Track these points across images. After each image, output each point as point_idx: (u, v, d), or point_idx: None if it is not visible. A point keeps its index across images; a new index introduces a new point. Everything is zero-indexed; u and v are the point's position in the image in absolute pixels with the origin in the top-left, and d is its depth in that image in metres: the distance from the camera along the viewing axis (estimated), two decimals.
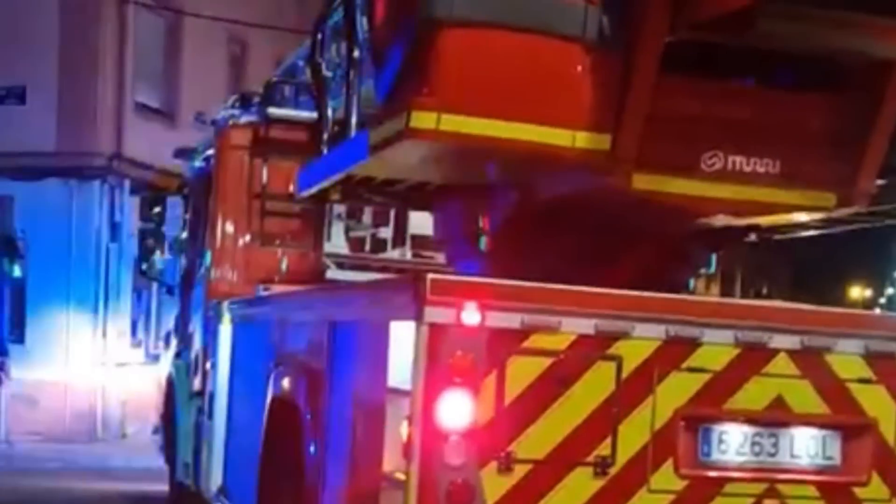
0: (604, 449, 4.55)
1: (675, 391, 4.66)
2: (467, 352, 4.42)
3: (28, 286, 16.27)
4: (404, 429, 4.47)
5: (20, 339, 16.32)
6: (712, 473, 4.74)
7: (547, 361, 4.51)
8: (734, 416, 4.78)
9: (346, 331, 5.53)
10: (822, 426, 4.89)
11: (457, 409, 4.41)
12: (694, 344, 4.67)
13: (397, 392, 4.68)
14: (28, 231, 15.86)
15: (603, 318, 4.58)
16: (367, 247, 9.31)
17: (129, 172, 17.30)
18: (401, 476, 4.49)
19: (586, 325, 4.56)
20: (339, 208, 9.04)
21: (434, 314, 4.42)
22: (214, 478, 8.31)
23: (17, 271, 15.73)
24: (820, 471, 4.89)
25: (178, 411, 9.69)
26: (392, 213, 9.04)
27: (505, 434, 4.46)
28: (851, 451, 4.91)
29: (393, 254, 9.10)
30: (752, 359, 4.74)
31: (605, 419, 4.56)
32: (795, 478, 4.83)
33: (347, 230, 9.28)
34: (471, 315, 4.43)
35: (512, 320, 4.49)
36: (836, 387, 4.84)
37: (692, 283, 6.64)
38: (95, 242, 16.73)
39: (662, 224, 5.86)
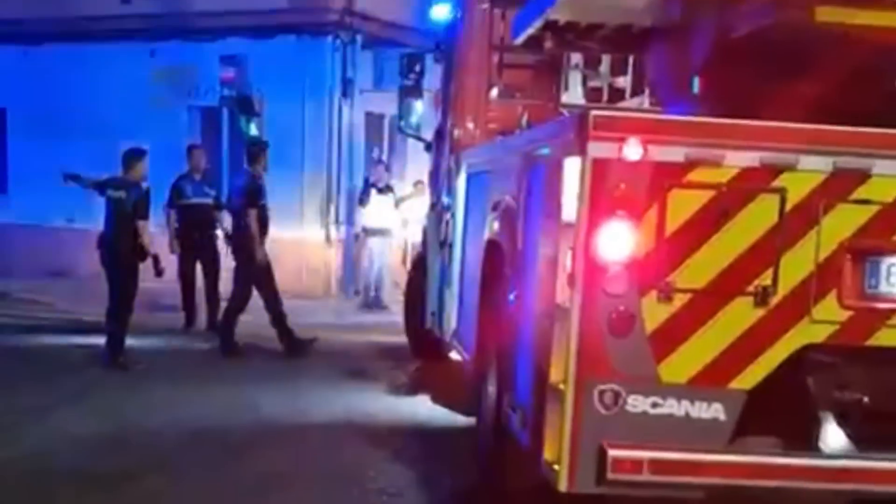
0: (765, 279, 4.84)
1: (842, 223, 4.86)
2: (629, 185, 4.81)
3: None
4: (568, 259, 4.93)
5: None
6: (879, 305, 4.94)
7: (709, 194, 4.81)
8: None
9: (535, 171, 5.99)
10: None
11: (618, 240, 4.81)
12: (863, 175, 4.85)
13: (569, 226, 5.12)
14: (262, 89, 16.71)
15: (768, 150, 4.83)
16: (605, 97, 9.61)
17: (361, 27, 17.93)
18: (567, 305, 4.97)
19: (750, 158, 4.82)
20: (577, 58, 9.40)
21: (597, 149, 4.81)
22: (451, 321, 9.06)
23: (253, 130, 16.55)
24: None
25: (428, 262, 10.48)
26: (630, 62, 9.30)
27: (665, 264, 4.83)
28: None
29: (631, 103, 9.38)
30: None
31: (767, 250, 4.83)
32: None
33: (585, 80, 9.63)
34: (633, 149, 4.79)
35: (675, 154, 4.81)
36: None
37: None
38: (328, 99, 17.52)
39: (869, 60, 5.99)
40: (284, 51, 17.26)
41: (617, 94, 9.55)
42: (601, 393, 4.85)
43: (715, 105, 5.96)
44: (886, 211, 4.88)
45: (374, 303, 16.11)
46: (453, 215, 9.20)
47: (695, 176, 4.83)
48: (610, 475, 4.71)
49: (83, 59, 17.85)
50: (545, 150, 5.74)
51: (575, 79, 9.49)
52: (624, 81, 9.54)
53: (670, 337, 4.86)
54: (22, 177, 18.79)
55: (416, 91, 11.11)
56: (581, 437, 4.83)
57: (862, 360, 4.97)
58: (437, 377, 10.18)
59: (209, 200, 13.09)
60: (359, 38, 17.93)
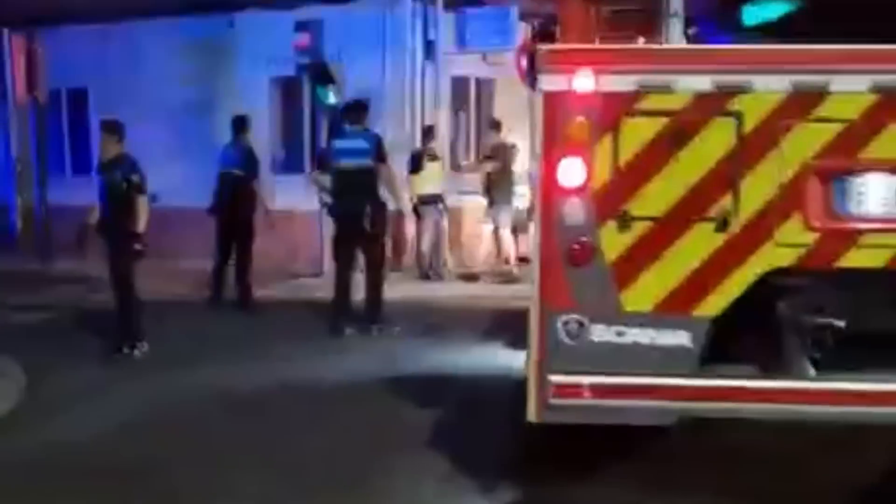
0: (725, 204, 5.02)
1: (804, 144, 5.00)
2: (583, 116, 5.09)
3: None
4: (529, 192, 5.24)
5: None
6: (847, 225, 5.06)
7: (662, 121, 5.03)
8: (872, 166, 5.03)
9: None
10: None
11: (573, 172, 5.08)
12: (822, 93, 4.98)
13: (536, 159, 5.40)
14: (340, 56, 16.99)
15: (720, 73, 5.02)
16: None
17: None
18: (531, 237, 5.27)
19: (702, 83, 5.01)
20: (676, 5, 9.64)
21: (548, 82, 5.10)
22: None
23: (331, 98, 16.84)
24: None
25: None
26: None
27: (622, 194, 5.07)
28: None
29: None
30: (893, 105, 4.94)
31: (725, 175, 5.01)
32: None
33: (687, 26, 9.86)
34: (583, 81, 5.04)
35: (626, 83, 5.03)
36: None
37: None
38: (410, 63, 17.81)
39: None
40: (362, 14, 17.51)
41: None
42: (565, 323, 5.14)
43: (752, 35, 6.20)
44: (850, 128, 4.99)
45: (432, 274, 16.19)
46: None
47: (648, 104, 5.05)
48: (552, 400, 5.00)
49: (159, 34, 18.46)
50: None
51: (675, 26, 9.73)
52: None
53: (631, 265, 5.10)
54: None
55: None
56: (546, 368, 5.13)
57: (831, 283, 5.13)
58: None
59: None
60: None
